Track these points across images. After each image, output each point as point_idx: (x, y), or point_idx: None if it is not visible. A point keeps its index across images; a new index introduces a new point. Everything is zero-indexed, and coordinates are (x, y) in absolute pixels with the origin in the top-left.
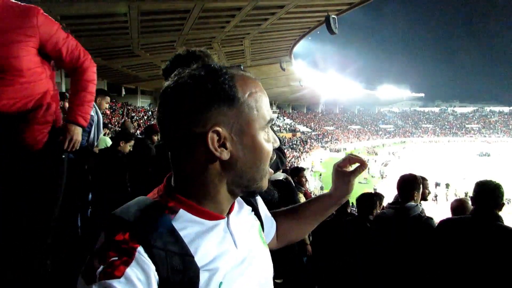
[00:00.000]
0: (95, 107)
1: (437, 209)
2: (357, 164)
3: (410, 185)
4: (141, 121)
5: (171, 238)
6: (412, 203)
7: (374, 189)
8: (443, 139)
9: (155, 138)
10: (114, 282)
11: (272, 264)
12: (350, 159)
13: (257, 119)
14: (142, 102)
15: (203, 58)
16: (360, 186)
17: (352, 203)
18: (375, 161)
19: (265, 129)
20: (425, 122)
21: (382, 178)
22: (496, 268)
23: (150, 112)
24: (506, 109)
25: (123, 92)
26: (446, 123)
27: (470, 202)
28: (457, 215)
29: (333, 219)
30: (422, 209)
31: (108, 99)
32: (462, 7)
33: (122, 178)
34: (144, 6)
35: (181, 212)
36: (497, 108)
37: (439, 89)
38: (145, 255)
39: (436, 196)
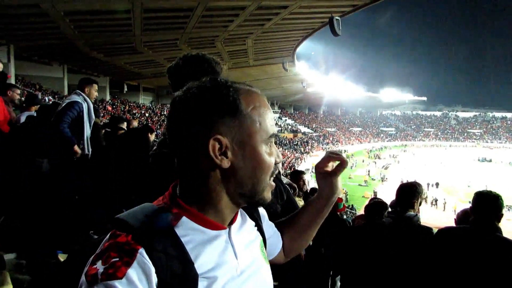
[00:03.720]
0: (81, 95)
1: (437, 214)
2: (337, 162)
3: (410, 194)
4: (143, 118)
5: (173, 243)
6: (411, 212)
7: (374, 192)
8: (444, 143)
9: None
10: (116, 283)
11: (272, 281)
12: (329, 157)
13: (258, 132)
14: (144, 99)
15: (211, 62)
16: (360, 189)
17: (352, 205)
18: (375, 163)
19: (268, 143)
20: (427, 126)
21: (382, 181)
22: (493, 279)
23: (151, 110)
24: (509, 114)
25: (125, 89)
26: (448, 127)
27: None
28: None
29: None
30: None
31: (95, 86)
32: (466, 12)
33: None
34: (147, 3)
35: (184, 219)
36: (500, 114)
37: (442, 93)
38: (146, 257)
39: (436, 201)
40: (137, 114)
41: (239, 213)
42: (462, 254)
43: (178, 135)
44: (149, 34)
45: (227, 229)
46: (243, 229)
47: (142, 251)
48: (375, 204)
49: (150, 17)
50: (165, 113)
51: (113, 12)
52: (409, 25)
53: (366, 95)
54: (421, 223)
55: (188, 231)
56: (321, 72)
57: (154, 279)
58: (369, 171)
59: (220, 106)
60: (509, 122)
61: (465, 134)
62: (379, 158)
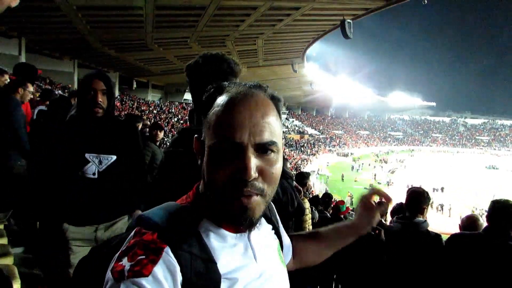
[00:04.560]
0: None
1: (442, 220)
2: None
3: (419, 200)
4: (151, 115)
5: (196, 243)
6: (421, 218)
7: None
8: (452, 149)
9: None
10: (142, 280)
11: (289, 284)
12: (376, 192)
13: (211, 135)
14: (153, 96)
15: (230, 62)
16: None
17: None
18: (382, 167)
19: (224, 150)
20: (435, 131)
21: (388, 185)
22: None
23: (159, 107)
24: None
25: (134, 85)
26: (456, 133)
27: (480, 219)
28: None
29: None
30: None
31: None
32: (477, 18)
33: None
34: (160, 0)
35: (206, 220)
36: (508, 122)
37: (451, 99)
38: (172, 255)
39: (442, 206)
40: (145, 111)
41: None
42: (475, 261)
43: None
44: (160, 32)
45: (246, 232)
46: (262, 232)
47: (167, 249)
48: None
49: (162, 14)
50: (173, 110)
51: (126, 8)
52: (421, 30)
53: (375, 98)
54: (429, 229)
55: (210, 232)
56: (330, 74)
57: (179, 277)
58: (375, 175)
59: (205, 107)
60: None
61: (473, 141)
62: (385, 162)
